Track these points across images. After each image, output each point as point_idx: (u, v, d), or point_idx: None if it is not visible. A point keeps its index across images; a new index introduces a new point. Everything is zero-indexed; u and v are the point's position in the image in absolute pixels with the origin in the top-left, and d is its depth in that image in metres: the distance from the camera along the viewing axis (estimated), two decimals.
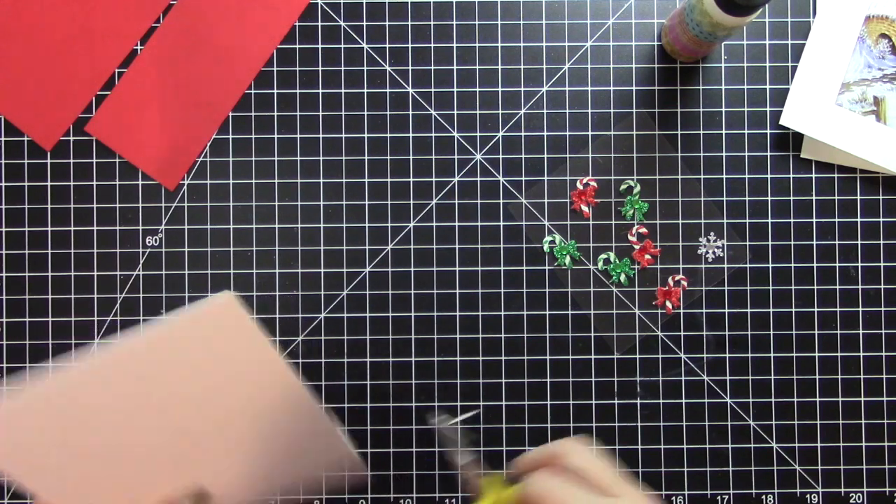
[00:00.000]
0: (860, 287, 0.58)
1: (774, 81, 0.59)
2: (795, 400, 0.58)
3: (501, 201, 0.59)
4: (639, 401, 0.58)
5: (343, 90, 0.59)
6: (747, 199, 0.59)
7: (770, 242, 0.59)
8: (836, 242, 0.58)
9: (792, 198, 0.59)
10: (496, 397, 0.58)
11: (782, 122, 0.58)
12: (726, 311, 0.59)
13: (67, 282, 0.59)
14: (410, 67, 0.59)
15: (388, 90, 0.59)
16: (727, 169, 0.59)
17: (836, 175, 0.59)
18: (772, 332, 0.58)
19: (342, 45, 0.59)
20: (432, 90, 0.59)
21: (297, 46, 0.59)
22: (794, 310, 0.58)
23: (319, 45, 0.59)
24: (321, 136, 0.59)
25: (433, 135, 0.59)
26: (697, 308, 0.59)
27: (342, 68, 0.59)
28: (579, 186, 0.59)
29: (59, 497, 0.43)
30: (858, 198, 0.59)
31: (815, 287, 0.58)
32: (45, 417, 0.41)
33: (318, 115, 0.59)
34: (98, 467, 0.43)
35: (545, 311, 0.59)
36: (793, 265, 0.59)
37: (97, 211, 0.59)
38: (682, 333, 0.59)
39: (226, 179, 0.59)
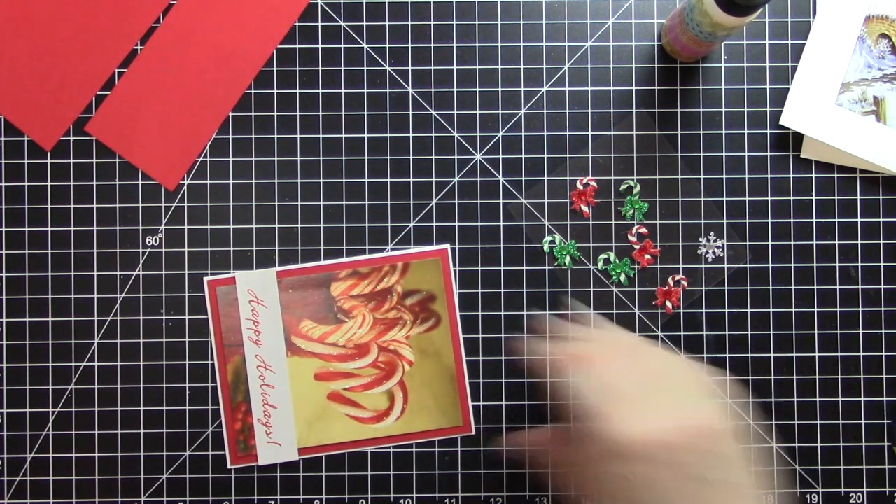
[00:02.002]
0: (860, 287, 0.58)
1: (774, 81, 0.59)
2: (795, 400, 0.58)
3: (501, 201, 0.59)
4: None
5: (343, 90, 0.59)
6: (747, 199, 0.59)
7: (770, 242, 0.59)
8: (836, 242, 0.58)
9: (792, 198, 0.59)
10: (496, 397, 0.58)
11: (782, 122, 0.58)
12: (726, 311, 0.59)
13: (67, 282, 0.59)
14: (410, 67, 0.59)
15: (388, 90, 0.59)
16: (727, 169, 0.59)
17: (836, 175, 0.59)
18: (772, 332, 0.58)
19: (342, 45, 0.59)
20: (432, 90, 0.59)
21: (297, 46, 0.59)
22: (794, 310, 0.58)
23: (319, 45, 0.59)
24: (321, 136, 0.59)
25: (433, 135, 0.59)
26: (697, 308, 0.59)
27: (342, 68, 0.59)
28: (579, 186, 0.59)
29: None
30: (858, 198, 0.59)
31: (815, 287, 0.58)
32: None
33: (318, 115, 0.59)
34: None
35: (545, 312, 0.59)
36: (793, 265, 0.59)
37: (97, 211, 0.59)
38: (682, 333, 0.59)
39: (226, 179, 0.59)
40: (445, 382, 0.58)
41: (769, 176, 0.59)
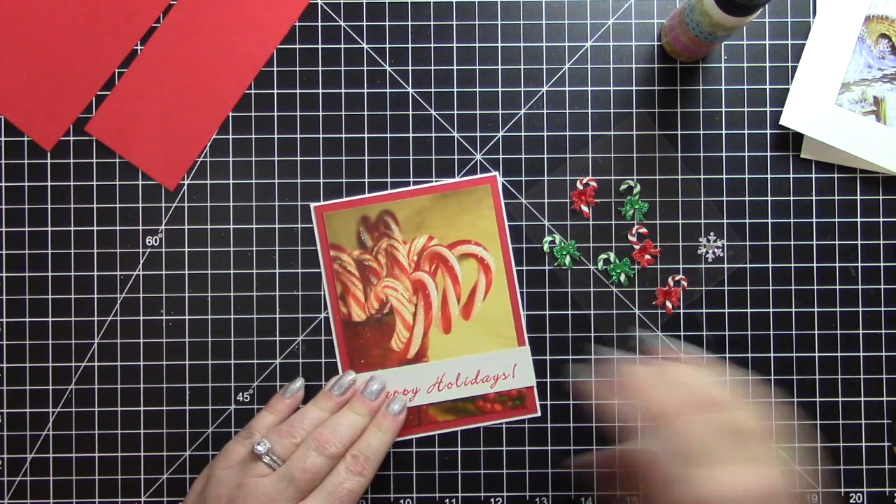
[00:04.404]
0: (860, 287, 0.58)
1: (774, 81, 0.59)
2: (795, 400, 0.58)
3: (502, 201, 0.59)
4: None
5: (343, 90, 0.59)
6: (747, 199, 0.59)
7: (770, 242, 0.59)
8: (836, 242, 0.58)
9: (792, 198, 0.59)
10: None
11: (782, 122, 0.58)
12: (726, 311, 0.59)
13: (67, 282, 0.59)
14: (410, 67, 0.59)
15: (388, 90, 0.59)
16: (727, 169, 0.59)
17: (836, 175, 0.59)
18: (772, 332, 0.58)
19: (342, 45, 0.59)
20: (432, 90, 0.59)
21: (297, 46, 0.59)
22: (794, 310, 0.58)
23: (319, 45, 0.59)
24: (321, 136, 0.59)
25: (433, 135, 0.59)
26: (697, 308, 0.59)
27: (342, 68, 0.59)
28: (579, 186, 0.59)
29: None
30: (858, 198, 0.59)
31: (815, 287, 0.58)
32: None
33: (319, 116, 0.59)
34: None
35: (545, 311, 0.59)
36: (793, 265, 0.59)
37: (97, 211, 0.59)
38: (682, 333, 0.59)
39: (226, 179, 0.59)
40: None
41: (769, 176, 0.59)
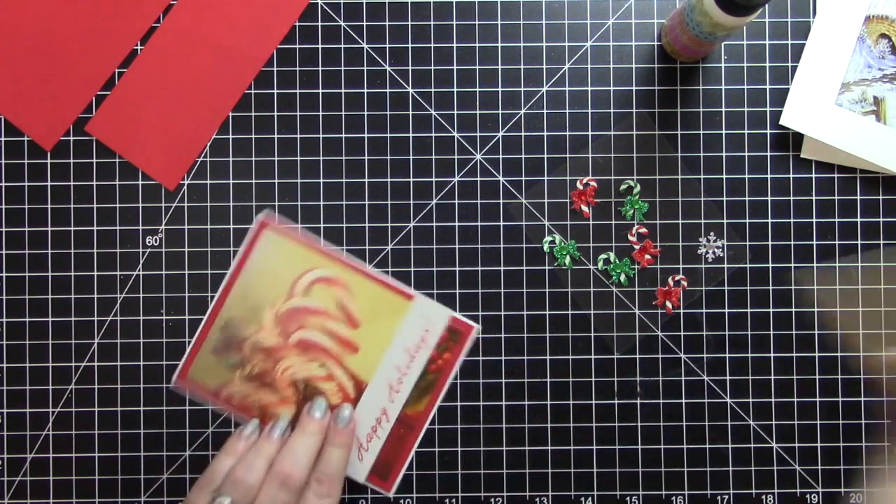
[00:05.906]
0: (860, 287, 0.58)
1: (774, 81, 0.59)
2: (795, 400, 0.58)
3: (501, 201, 0.59)
4: (639, 401, 0.58)
5: (343, 90, 0.59)
6: (747, 199, 0.59)
7: (770, 242, 0.59)
8: (836, 242, 0.58)
9: (792, 198, 0.59)
10: (496, 397, 0.58)
11: (782, 122, 0.58)
12: (726, 311, 0.59)
13: (67, 282, 0.59)
14: (410, 67, 0.59)
15: (388, 90, 0.59)
16: (727, 169, 0.59)
17: (836, 175, 0.59)
18: (772, 332, 0.58)
19: (342, 45, 0.59)
20: (432, 90, 0.59)
21: (297, 46, 0.59)
22: (793, 310, 0.58)
23: (319, 45, 0.59)
24: (321, 136, 0.59)
25: (433, 135, 0.59)
26: (697, 308, 0.59)
27: (342, 68, 0.59)
28: (579, 186, 0.59)
29: None
30: (858, 198, 0.59)
31: (815, 287, 0.58)
32: None
33: (319, 115, 0.59)
34: None
35: (545, 311, 0.59)
36: (793, 265, 0.59)
37: (97, 211, 0.59)
38: (682, 333, 0.59)
39: (226, 179, 0.59)
40: None
41: (769, 176, 0.59)
